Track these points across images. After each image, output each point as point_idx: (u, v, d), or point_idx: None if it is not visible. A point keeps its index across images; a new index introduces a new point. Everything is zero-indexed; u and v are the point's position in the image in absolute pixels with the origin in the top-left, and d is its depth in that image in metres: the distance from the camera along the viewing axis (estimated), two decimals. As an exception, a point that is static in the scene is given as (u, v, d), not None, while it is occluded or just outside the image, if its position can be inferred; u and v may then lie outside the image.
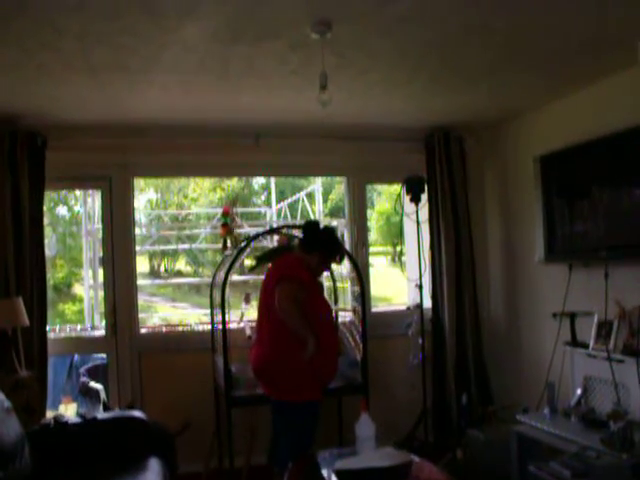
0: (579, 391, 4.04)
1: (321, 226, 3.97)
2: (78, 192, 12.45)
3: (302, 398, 3.66)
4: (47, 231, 4.69)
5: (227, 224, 4.78)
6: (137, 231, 5.28)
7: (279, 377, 3.70)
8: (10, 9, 2.70)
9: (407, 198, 4.99)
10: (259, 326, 3.90)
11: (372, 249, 5.61)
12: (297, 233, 4.61)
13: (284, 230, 5.00)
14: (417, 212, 4.94)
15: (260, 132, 4.97)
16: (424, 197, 5.00)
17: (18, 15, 2.75)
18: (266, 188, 18.03)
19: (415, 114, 4.86)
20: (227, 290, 4.35)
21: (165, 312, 16.50)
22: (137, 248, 5.21)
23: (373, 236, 18.61)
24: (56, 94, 3.96)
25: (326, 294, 4.41)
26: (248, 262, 6.32)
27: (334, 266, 4.78)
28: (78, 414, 4.37)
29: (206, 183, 17.82)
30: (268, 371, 3.74)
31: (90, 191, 8.80)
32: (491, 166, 5.45)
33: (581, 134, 4.15)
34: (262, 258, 4.16)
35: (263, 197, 19.04)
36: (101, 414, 4.34)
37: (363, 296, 4.56)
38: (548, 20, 3.06)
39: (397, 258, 20.64)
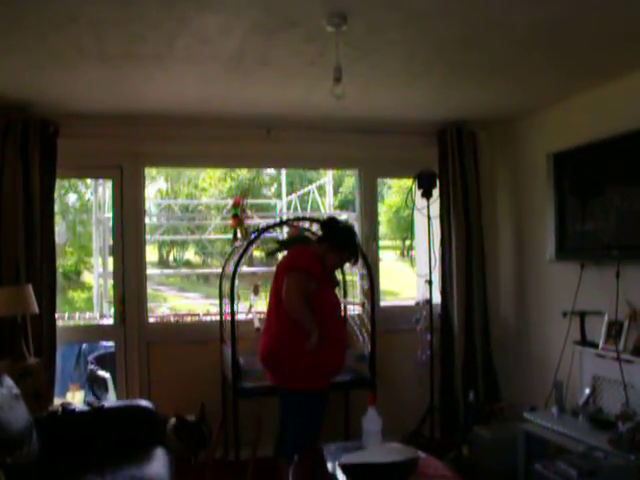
0: (587, 391, 4.03)
1: (341, 224, 3.99)
2: (89, 180, 12.48)
3: (308, 385, 3.67)
4: (57, 219, 4.70)
5: (237, 215, 4.78)
6: (147, 220, 5.27)
7: (286, 365, 3.70)
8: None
9: (418, 193, 4.97)
10: (268, 315, 3.93)
11: (381, 243, 5.59)
12: (307, 225, 4.60)
13: (294, 222, 4.99)
14: (428, 207, 4.92)
15: (272, 123, 4.96)
16: (435, 192, 4.98)
17: (34, 0, 2.74)
18: (276, 180, 18.05)
19: (429, 108, 4.83)
20: (236, 281, 4.35)
21: (173, 302, 16.56)
22: (147, 237, 5.22)
23: (382, 230, 18.61)
24: (69, 82, 3.95)
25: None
26: (257, 254, 6.33)
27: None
28: (85, 402, 4.40)
29: (216, 173, 17.85)
30: (275, 359, 3.74)
31: (101, 180, 8.84)
32: (503, 162, 5.42)
33: (595, 132, 4.12)
34: (284, 243, 4.13)
35: (273, 189, 19.05)
36: (108, 402, 4.36)
37: (372, 290, 4.55)
38: (566, 15, 3.02)
39: (406, 252, 20.63)
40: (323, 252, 3.77)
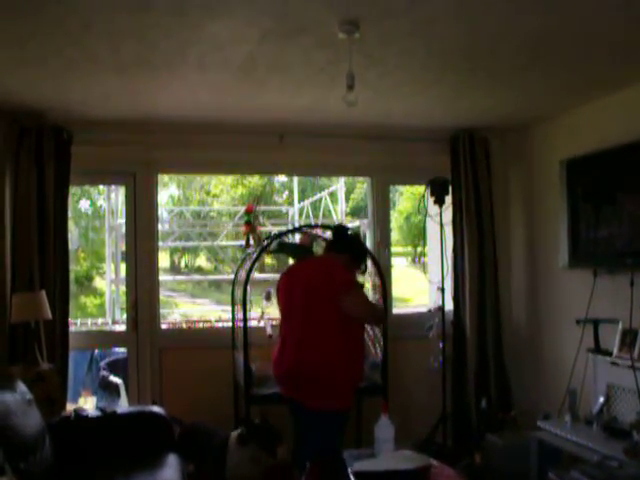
0: (601, 399, 3.99)
1: (353, 234, 3.97)
2: (101, 187, 12.55)
3: (343, 405, 3.57)
4: (70, 225, 4.72)
5: (250, 222, 4.79)
6: (159, 227, 5.29)
7: (326, 384, 3.50)
8: (41, 3, 2.71)
9: (431, 200, 4.96)
10: (292, 327, 3.67)
11: (392, 249, 5.57)
12: (320, 232, 4.59)
13: (307, 229, 4.98)
14: (441, 214, 4.91)
15: (284, 131, 4.97)
16: (448, 199, 4.97)
17: (47, 9, 2.77)
18: (288, 187, 18.08)
19: (440, 116, 4.83)
20: (248, 288, 4.35)
21: (184, 308, 16.60)
22: (159, 244, 5.23)
23: (393, 236, 18.61)
24: (83, 90, 3.99)
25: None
26: (270, 261, 6.33)
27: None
28: (97, 407, 4.41)
29: (228, 180, 17.91)
30: (314, 377, 3.51)
31: (113, 186, 8.89)
32: (516, 169, 5.40)
33: (608, 140, 4.11)
34: (285, 246, 4.08)
35: (284, 196, 19.08)
36: (121, 408, 4.37)
37: (385, 297, 4.54)
38: (578, 24, 3.02)
39: (417, 259, 20.61)
40: (345, 263, 3.68)
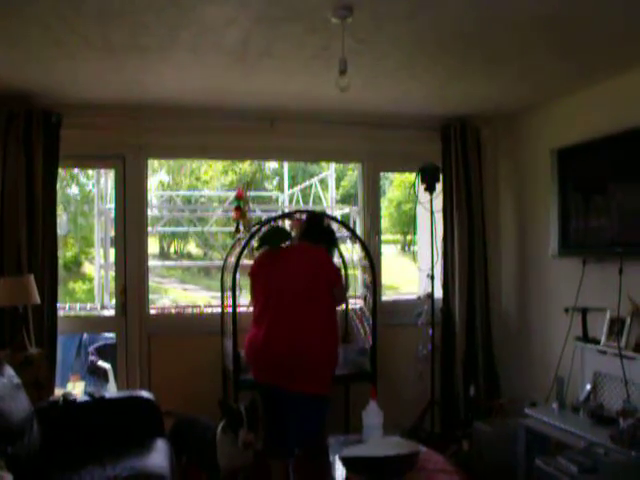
0: (588, 387, 4.03)
1: (326, 223, 4.08)
2: (90, 171, 12.46)
3: (331, 389, 3.64)
4: (58, 210, 4.68)
5: (240, 207, 4.77)
6: (148, 212, 5.26)
7: (325, 367, 3.58)
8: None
9: (422, 187, 4.96)
10: (280, 312, 3.61)
11: (381, 237, 5.58)
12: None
13: (297, 215, 4.97)
14: (431, 201, 4.91)
15: (276, 116, 4.95)
16: (439, 186, 4.97)
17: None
18: (278, 173, 18.03)
19: (432, 103, 4.82)
20: (238, 274, 4.33)
21: (174, 294, 16.56)
22: (148, 229, 5.20)
23: (383, 224, 18.55)
24: (72, 72, 3.94)
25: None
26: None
27: (346, 253, 4.81)
28: (86, 392, 4.39)
29: (218, 165, 17.82)
30: (315, 361, 3.53)
31: (103, 170, 8.82)
32: (507, 158, 5.40)
33: (599, 129, 4.11)
34: (265, 239, 4.05)
35: (275, 182, 19.03)
36: (109, 393, 4.36)
37: (374, 284, 4.55)
38: (571, 10, 3.01)
39: (407, 247, 20.62)
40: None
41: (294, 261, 3.73)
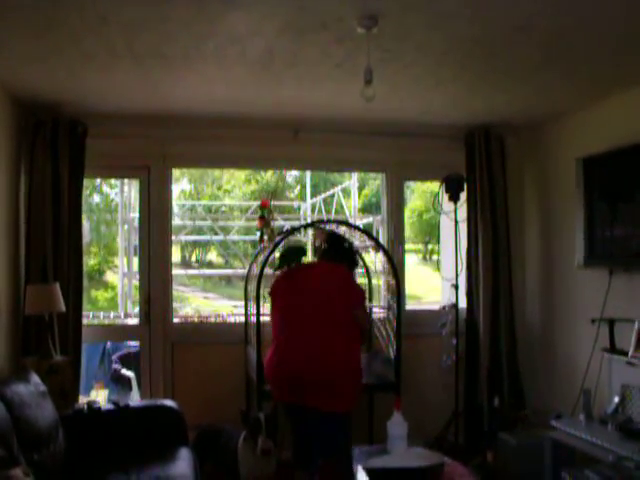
0: (616, 399, 3.96)
1: (347, 242, 4.06)
2: (113, 180, 12.58)
3: (349, 407, 3.60)
4: (82, 219, 4.72)
5: (265, 217, 4.77)
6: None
7: (341, 385, 3.53)
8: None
9: (446, 196, 4.94)
10: (302, 330, 3.62)
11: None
12: (334, 228, 4.58)
13: (320, 225, 4.97)
14: (455, 211, 4.88)
15: (300, 125, 4.96)
16: (462, 196, 4.94)
17: (64, 1, 2.76)
18: (300, 182, 18.07)
19: (456, 112, 4.80)
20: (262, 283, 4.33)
21: (195, 302, 16.63)
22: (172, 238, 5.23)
23: (404, 233, 18.48)
24: (99, 82, 3.99)
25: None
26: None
27: (370, 263, 4.80)
28: (110, 401, 4.42)
29: (240, 175, 17.91)
30: (336, 379, 3.52)
31: (127, 179, 8.91)
32: (531, 167, 5.36)
33: (625, 137, 4.06)
34: (286, 258, 4.05)
35: (296, 191, 19.07)
36: (133, 402, 4.38)
37: (399, 294, 4.52)
38: (595, 20, 2.99)
39: (428, 256, 20.56)
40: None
41: (312, 280, 3.76)
